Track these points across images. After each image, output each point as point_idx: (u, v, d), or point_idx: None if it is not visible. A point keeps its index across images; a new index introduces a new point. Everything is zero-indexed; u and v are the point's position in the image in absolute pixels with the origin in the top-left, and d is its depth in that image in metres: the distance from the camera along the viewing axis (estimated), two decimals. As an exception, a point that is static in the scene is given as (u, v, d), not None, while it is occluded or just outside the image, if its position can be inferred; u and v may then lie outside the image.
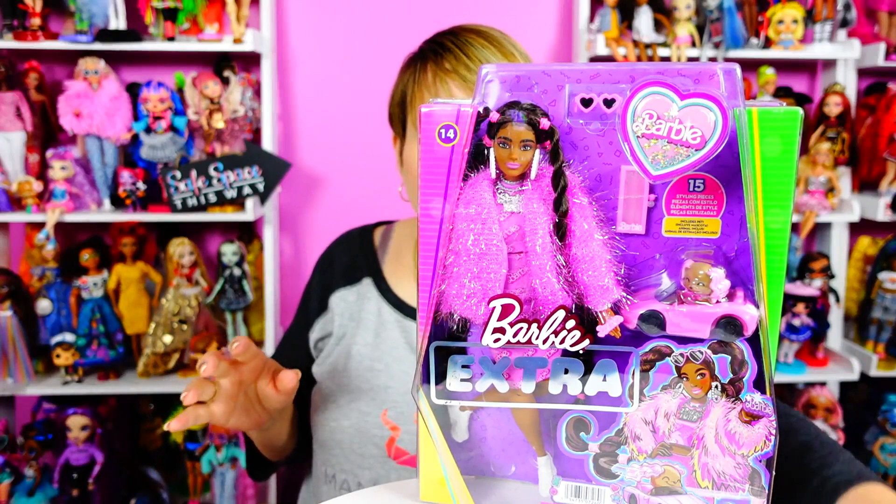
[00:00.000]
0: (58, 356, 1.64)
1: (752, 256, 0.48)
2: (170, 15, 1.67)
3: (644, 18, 1.76)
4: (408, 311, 1.04)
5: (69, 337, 1.66)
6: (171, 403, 1.82)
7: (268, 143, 1.76)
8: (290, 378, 0.81)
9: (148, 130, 1.66)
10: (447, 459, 0.56)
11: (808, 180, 1.79)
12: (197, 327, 1.73)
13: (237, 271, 1.71)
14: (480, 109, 0.50)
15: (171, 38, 1.69)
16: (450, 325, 0.53)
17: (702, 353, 0.51)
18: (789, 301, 1.76)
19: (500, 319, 0.49)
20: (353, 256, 1.11)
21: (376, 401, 0.98)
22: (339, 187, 1.94)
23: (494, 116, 0.50)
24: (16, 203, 1.69)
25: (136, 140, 1.68)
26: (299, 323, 1.13)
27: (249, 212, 1.69)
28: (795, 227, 1.85)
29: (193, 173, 1.65)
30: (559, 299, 0.50)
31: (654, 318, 0.50)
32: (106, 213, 1.69)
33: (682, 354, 0.51)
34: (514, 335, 0.49)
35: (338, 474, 1.01)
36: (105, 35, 1.63)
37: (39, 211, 1.65)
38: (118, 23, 1.66)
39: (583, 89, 0.50)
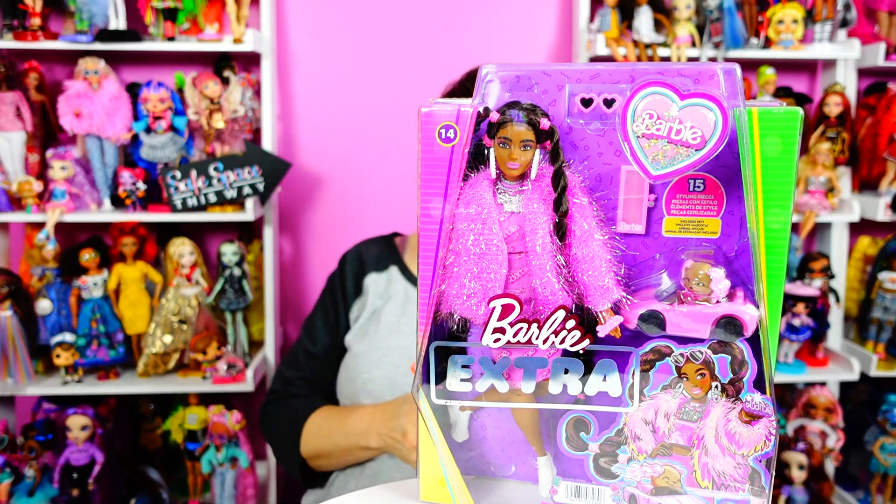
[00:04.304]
0: (58, 356, 1.64)
1: (752, 256, 0.48)
2: (170, 15, 1.67)
3: (644, 18, 1.76)
4: None
5: (69, 337, 1.66)
6: (170, 403, 1.82)
7: (268, 143, 1.76)
8: None
9: (148, 130, 1.66)
10: (447, 459, 0.56)
11: (808, 180, 1.79)
12: (197, 327, 1.73)
13: (237, 271, 1.71)
14: (480, 109, 0.50)
15: (171, 38, 1.69)
16: (450, 325, 0.53)
17: (702, 353, 0.51)
18: (789, 301, 1.76)
19: (500, 319, 0.49)
20: (380, 250, 1.30)
21: (405, 356, 1.13)
22: (339, 187, 1.94)
23: (494, 116, 0.50)
24: (16, 203, 1.69)
25: (136, 140, 1.68)
26: (329, 308, 1.28)
27: (249, 212, 1.69)
28: (795, 227, 1.85)
29: (193, 173, 1.64)
30: (559, 299, 0.49)
31: (654, 318, 0.50)
32: (106, 213, 1.69)
33: (682, 354, 0.51)
34: (514, 335, 0.49)
35: None
36: (105, 35, 1.63)
37: (39, 211, 1.65)
38: (118, 23, 1.66)
39: (583, 89, 0.50)
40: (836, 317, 1.90)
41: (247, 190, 1.68)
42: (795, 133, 0.47)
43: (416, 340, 1.08)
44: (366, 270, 1.28)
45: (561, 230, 0.50)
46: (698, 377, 0.51)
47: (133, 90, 1.71)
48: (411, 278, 1.25)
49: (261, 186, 1.68)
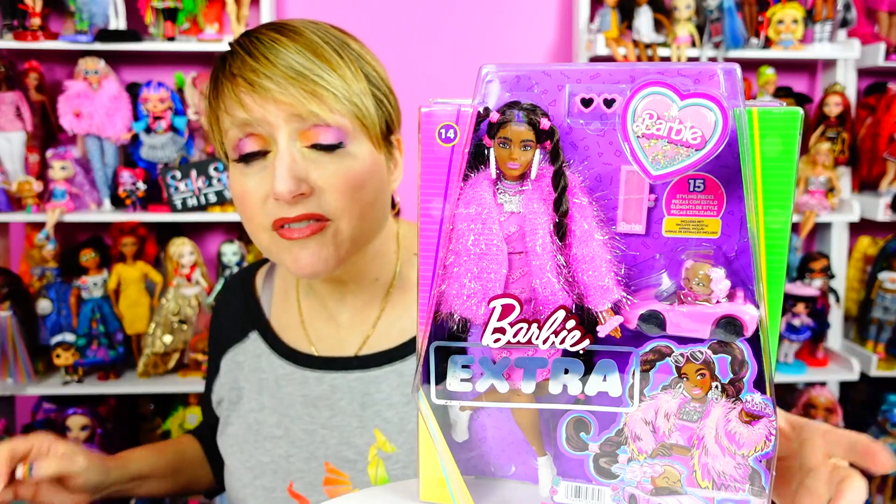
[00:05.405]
0: (58, 356, 1.64)
1: (752, 256, 0.48)
2: (170, 15, 1.67)
3: (644, 18, 1.76)
4: (300, 360, 0.91)
5: (69, 337, 1.66)
6: (171, 403, 1.82)
7: (268, 143, 1.76)
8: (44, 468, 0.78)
9: (148, 130, 1.66)
10: (447, 459, 0.56)
11: (808, 180, 1.79)
12: (197, 327, 1.73)
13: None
14: (480, 109, 0.50)
15: (171, 38, 1.69)
16: (450, 325, 0.53)
17: (702, 353, 0.51)
18: (789, 301, 1.76)
19: (500, 319, 0.49)
20: (238, 307, 0.98)
21: (279, 473, 0.88)
22: (339, 187, 1.94)
23: (494, 116, 0.50)
24: (16, 203, 1.69)
25: (136, 140, 1.68)
26: (206, 380, 1.04)
27: (249, 212, 1.68)
28: (795, 227, 1.85)
29: (193, 173, 1.64)
30: (559, 299, 0.49)
31: (654, 318, 0.50)
32: (106, 213, 1.69)
33: (682, 354, 0.51)
34: (515, 335, 0.49)
35: None
36: (105, 35, 1.63)
37: (39, 211, 1.65)
38: (118, 23, 1.66)
39: (583, 89, 0.50)
40: (836, 317, 1.90)
41: (247, 190, 1.68)
42: (795, 133, 0.47)
43: (291, 446, 0.89)
44: (224, 346, 0.96)
45: (561, 230, 0.50)
46: (698, 377, 0.51)
47: (133, 90, 1.71)
48: (278, 346, 0.92)
49: (261, 186, 1.68)
